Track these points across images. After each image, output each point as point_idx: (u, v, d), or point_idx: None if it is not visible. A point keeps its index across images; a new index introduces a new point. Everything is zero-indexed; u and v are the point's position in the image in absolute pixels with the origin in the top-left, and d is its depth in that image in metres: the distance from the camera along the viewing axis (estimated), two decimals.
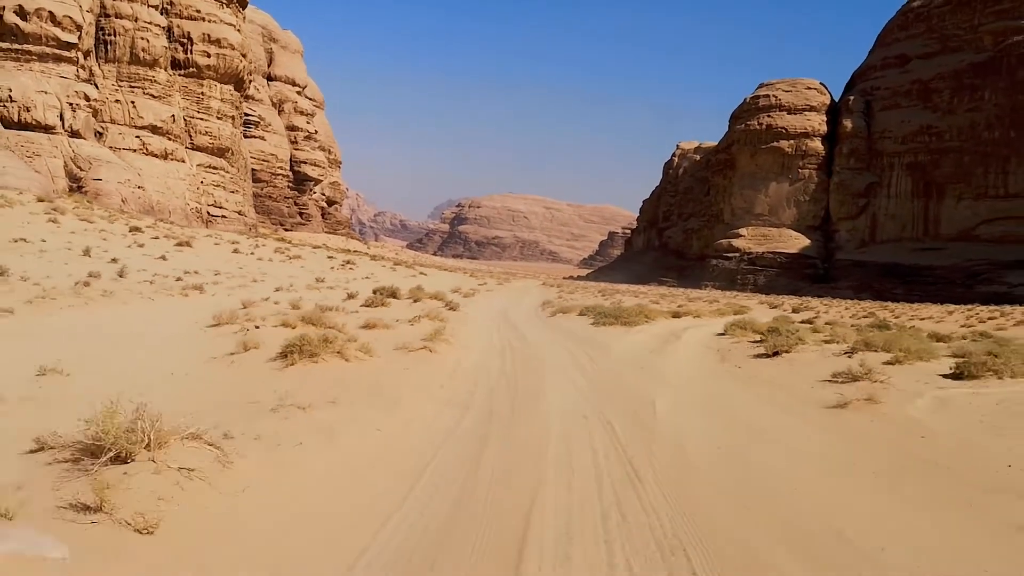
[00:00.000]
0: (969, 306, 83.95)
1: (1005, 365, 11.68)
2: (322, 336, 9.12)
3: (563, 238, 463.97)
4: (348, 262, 47.72)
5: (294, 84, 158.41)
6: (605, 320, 21.93)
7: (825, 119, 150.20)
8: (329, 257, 50.94)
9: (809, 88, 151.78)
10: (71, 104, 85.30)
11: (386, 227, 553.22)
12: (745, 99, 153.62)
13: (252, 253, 43.03)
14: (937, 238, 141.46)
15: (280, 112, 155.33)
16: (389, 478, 5.88)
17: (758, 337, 17.51)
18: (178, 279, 24.25)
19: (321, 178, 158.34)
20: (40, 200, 49.68)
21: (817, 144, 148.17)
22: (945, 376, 11.86)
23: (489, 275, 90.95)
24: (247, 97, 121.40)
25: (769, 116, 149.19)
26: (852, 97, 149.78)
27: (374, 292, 23.12)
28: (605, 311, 23.81)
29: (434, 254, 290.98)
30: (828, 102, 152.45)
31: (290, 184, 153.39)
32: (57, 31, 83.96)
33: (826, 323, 26.83)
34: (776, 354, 14.47)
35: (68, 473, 4.31)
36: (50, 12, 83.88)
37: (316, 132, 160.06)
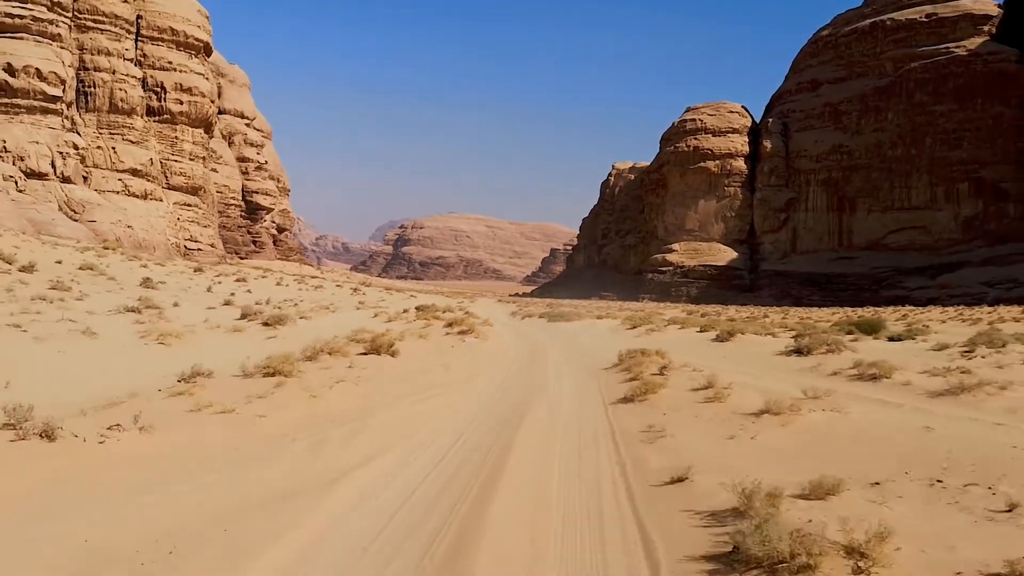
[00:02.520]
0: (855, 308, 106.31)
1: (717, 325, 31.70)
2: (459, 319, 28.35)
3: (506, 256, 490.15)
4: (356, 289, 66.36)
5: (243, 117, 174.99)
6: (554, 319, 41.73)
7: (747, 140, 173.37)
8: (338, 286, 69.49)
9: (732, 112, 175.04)
10: (61, 152, 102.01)
11: (328, 250, 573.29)
12: (673, 123, 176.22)
13: (288, 285, 61.51)
14: (851, 248, 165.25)
15: (230, 144, 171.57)
16: (509, 345, 25.46)
17: (632, 324, 37.44)
18: (295, 304, 43.07)
19: (272, 207, 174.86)
20: (105, 248, 67.23)
21: (741, 164, 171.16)
22: (697, 331, 31.83)
23: (454, 295, 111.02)
24: None
25: (696, 139, 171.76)
26: (771, 119, 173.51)
27: (417, 308, 42.29)
28: (553, 314, 43.71)
29: (379, 276, 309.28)
30: (749, 124, 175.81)
31: (243, 213, 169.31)
32: (44, 86, 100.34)
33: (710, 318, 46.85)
34: (634, 327, 34.38)
35: (455, 336, 23.58)
36: (36, 68, 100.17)
37: (266, 162, 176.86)
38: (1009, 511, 6.24)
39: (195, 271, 61.20)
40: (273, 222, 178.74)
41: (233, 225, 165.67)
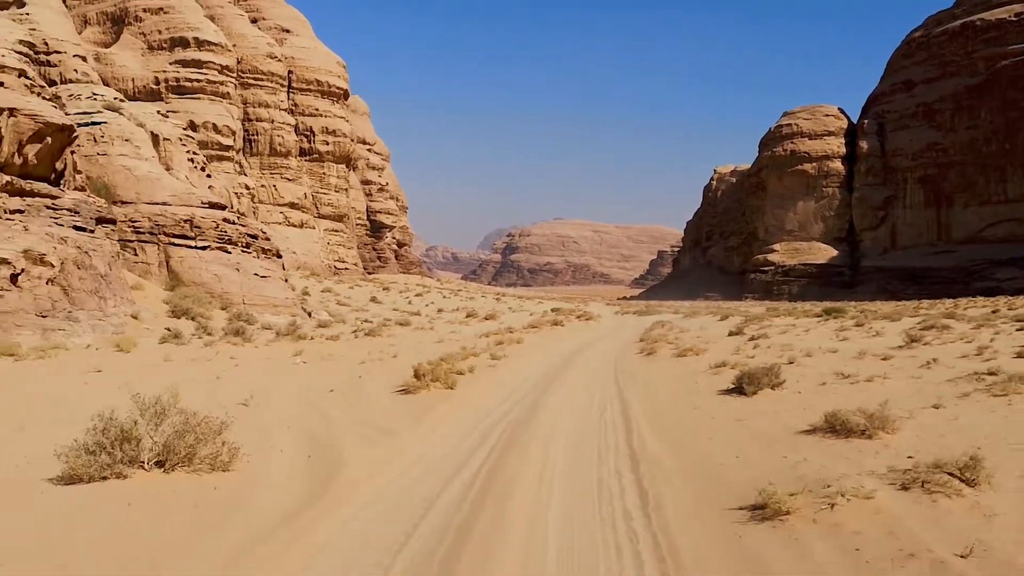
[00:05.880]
0: (935, 300, 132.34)
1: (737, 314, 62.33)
2: (582, 315, 59.23)
3: (613, 260, 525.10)
4: (498, 297, 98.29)
5: (365, 143, 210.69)
6: (641, 314, 72.95)
7: (844, 141, 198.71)
8: (483, 296, 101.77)
9: (827, 115, 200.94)
10: (236, 193, 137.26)
11: (439, 260, 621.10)
12: (770, 128, 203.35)
13: (449, 297, 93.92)
14: (949, 242, 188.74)
15: (354, 169, 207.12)
16: (610, 324, 56.75)
17: (684, 315, 68.19)
18: (473, 310, 75.26)
19: (394, 224, 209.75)
20: (313, 274, 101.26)
21: (838, 165, 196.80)
22: (717, 318, 62.44)
23: (568, 300, 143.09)
24: None
25: (792, 143, 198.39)
26: (866, 121, 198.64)
27: (552, 310, 73.85)
28: (642, 311, 74.98)
29: (488, 284, 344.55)
30: (846, 125, 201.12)
31: (368, 232, 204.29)
32: (219, 137, 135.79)
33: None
34: (686, 318, 65.11)
35: (583, 321, 54.84)
36: (213, 123, 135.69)
37: (387, 184, 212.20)
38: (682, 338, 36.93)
39: (383, 288, 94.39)
40: (394, 238, 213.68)
41: (360, 243, 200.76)
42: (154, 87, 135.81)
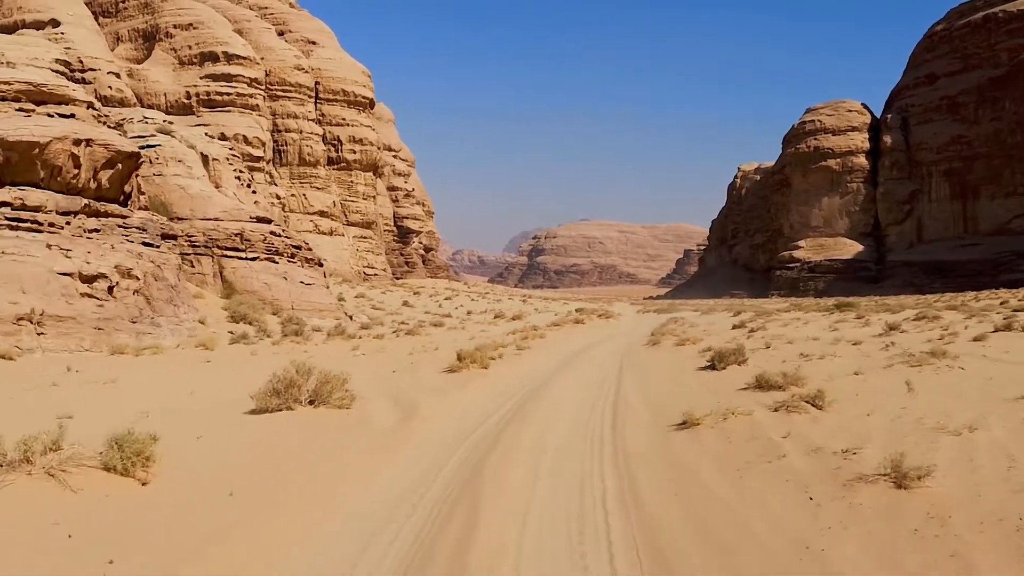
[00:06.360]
0: (958, 293, 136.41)
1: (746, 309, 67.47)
2: (604, 314, 64.78)
3: (639, 260, 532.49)
4: (524, 299, 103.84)
5: (390, 150, 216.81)
6: (661, 311, 78.23)
7: (867, 136, 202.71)
8: (510, 299, 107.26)
9: (850, 110, 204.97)
10: (268, 203, 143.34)
11: (465, 264, 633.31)
12: (793, 125, 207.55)
13: (477, 300, 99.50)
14: (976, 234, 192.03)
15: (380, 176, 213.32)
16: (629, 322, 62.20)
17: (700, 312, 73.39)
18: (501, 311, 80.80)
19: (421, 230, 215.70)
20: (345, 280, 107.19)
21: (862, 160, 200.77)
22: (729, 314, 67.62)
23: (594, 301, 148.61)
24: None
25: (816, 139, 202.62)
26: (890, 115, 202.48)
27: (577, 310, 79.28)
28: (663, 309, 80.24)
29: (515, 286, 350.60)
30: (869, 121, 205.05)
31: (395, 238, 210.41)
32: (250, 149, 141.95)
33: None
34: (702, 315, 70.36)
35: (603, 319, 60.33)
36: (243, 135, 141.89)
37: (412, 190, 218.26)
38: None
39: (414, 293, 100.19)
40: (421, 243, 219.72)
41: (388, 249, 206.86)
42: (186, 101, 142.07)
